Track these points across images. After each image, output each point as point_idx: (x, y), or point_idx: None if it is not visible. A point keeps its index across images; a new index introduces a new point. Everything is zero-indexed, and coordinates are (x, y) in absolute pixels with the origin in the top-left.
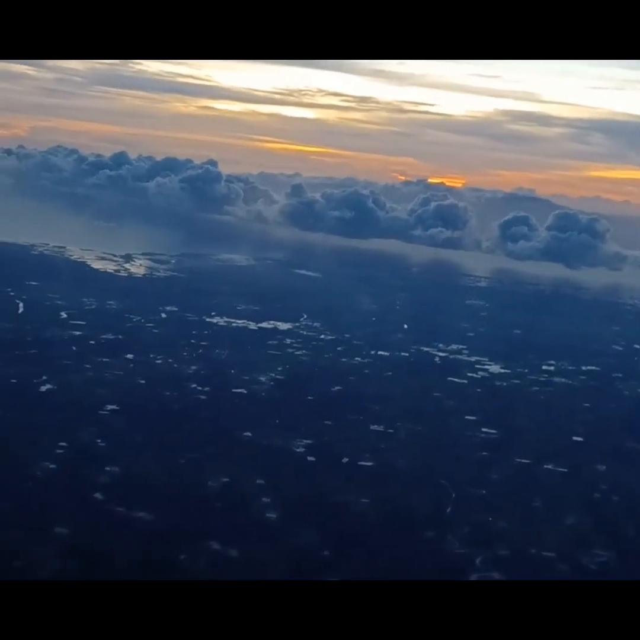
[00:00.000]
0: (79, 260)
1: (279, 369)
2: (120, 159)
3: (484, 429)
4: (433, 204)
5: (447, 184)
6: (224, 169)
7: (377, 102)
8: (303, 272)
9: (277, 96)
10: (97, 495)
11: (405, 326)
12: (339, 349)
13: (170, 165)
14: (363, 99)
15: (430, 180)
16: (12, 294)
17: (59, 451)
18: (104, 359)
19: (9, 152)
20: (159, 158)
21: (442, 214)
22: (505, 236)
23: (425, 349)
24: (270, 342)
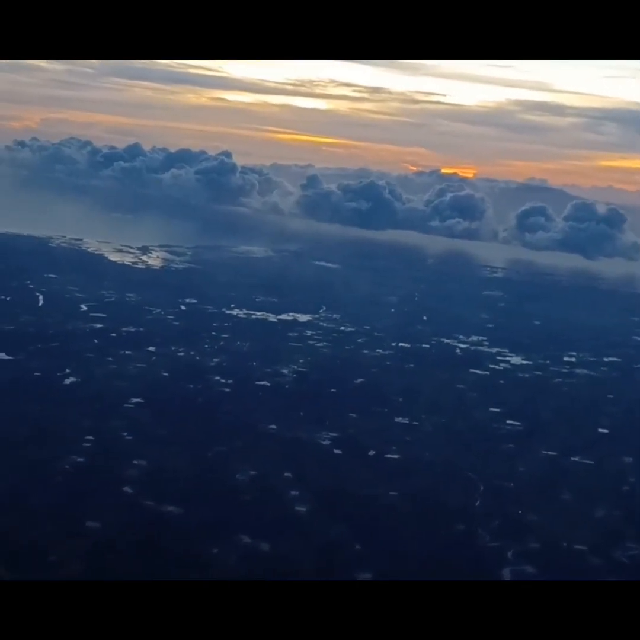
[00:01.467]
0: (96, 252)
1: (301, 361)
2: (134, 151)
3: (508, 421)
4: (449, 195)
5: (460, 174)
6: (237, 161)
7: (389, 93)
8: (321, 263)
9: (288, 87)
10: (127, 489)
11: (425, 317)
12: (359, 340)
13: (184, 157)
14: (375, 90)
15: (443, 170)
16: (31, 286)
17: (86, 445)
18: (126, 352)
19: (22, 144)
20: (172, 150)
21: (459, 205)
22: (522, 226)
23: (446, 340)
24: (290, 334)
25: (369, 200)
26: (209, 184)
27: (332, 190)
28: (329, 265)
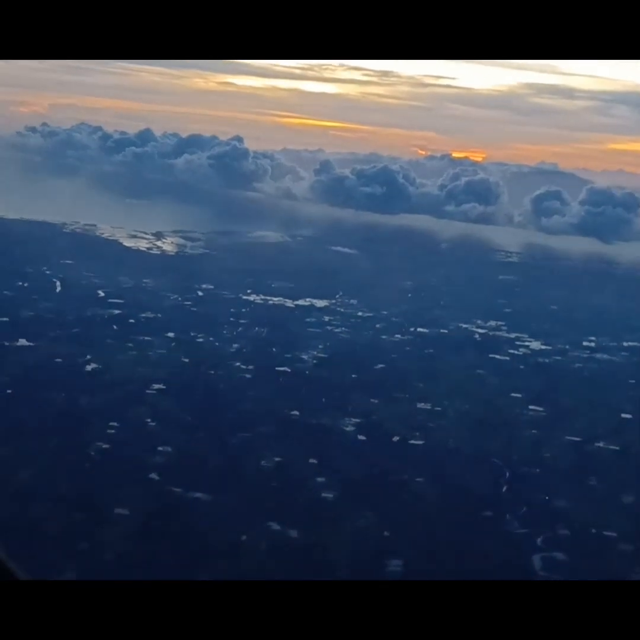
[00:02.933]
0: (110, 238)
1: (320, 347)
2: (145, 136)
3: (531, 407)
4: (463, 179)
5: (471, 158)
6: (247, 145)
7: (399, 76)
8: (336, 248)
9: (297, 71)
10: (153, 475)
11: (442, 302)
12: (377, 326)
13: (196, 142)
14: (384, 73)
15: (453, 154)
16: (48, 272)
17: (110, 431)
18: (146, 338)
19: (33, 130)
20: (183, 135)
21: (474, 189)
22: (537, 211)
23: (464, 325)
24: (308, 319)
25: (382, 184)
26: (221, 169)
27: (345, 175)
28: (344, 250)
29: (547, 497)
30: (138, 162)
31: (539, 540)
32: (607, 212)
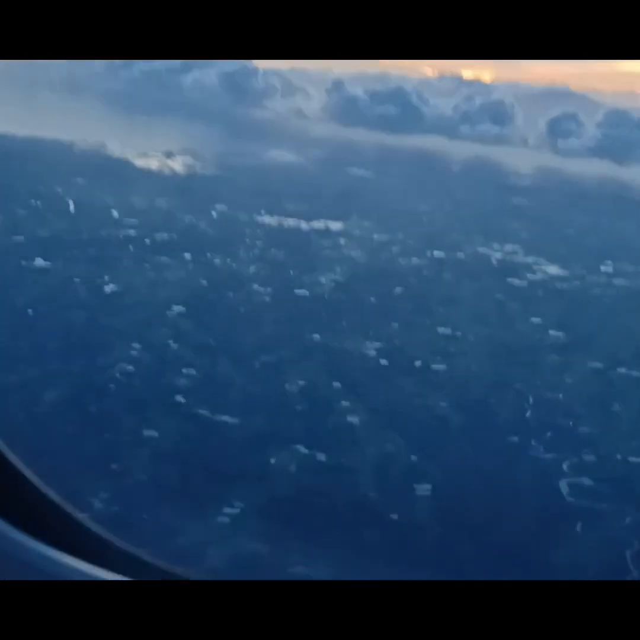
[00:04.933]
0: (121, 157)
1: (337, 269)
2: None
3: (551, 332)
4: (478, 100)
5: (482, 79)
6: (256, 63)
7: None
8: (348, 169)
9: None
10: (179, 398)
11: (457, 226)
12: (394, 249)
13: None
14: None
15: (463, 74)
16: (60, 192)
17: (133, 353)
18: (162, 259)
19: None
20: None
21: (488, 110)
22: (553, 133)
23: (481, 249)
24: (323, 242)
25: (396, 105)
26: (231, 87)
27: (358, 94)
28: (357, 171)
29: (571, 423)
30: (145, 79)
31: (565, 465)
32: (624, 134)
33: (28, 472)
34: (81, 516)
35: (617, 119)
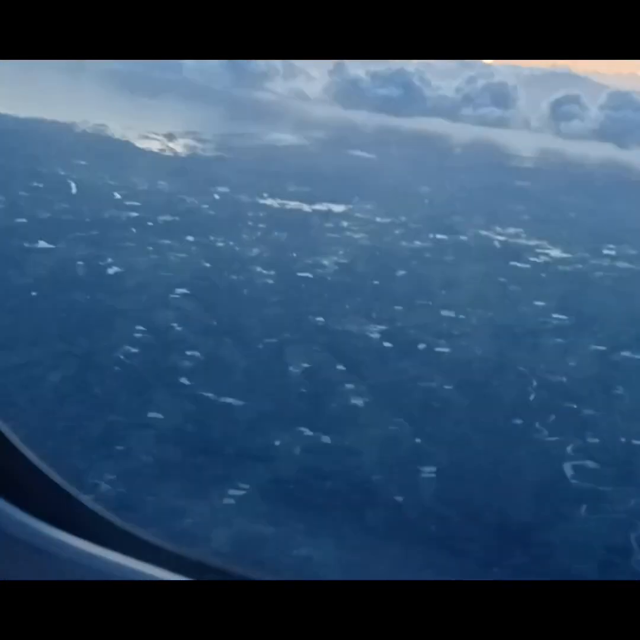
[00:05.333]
0: (122, 139)
1: (340, 252)
2: None
3: (554, 315)
4: (480, 82)
5: (483, 61)
6: None
7: None
8: (350, 151)
9: None
10: (183, 380)
11: (459, 208)
12: (396, 232)
13: None
14: None
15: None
16: (62, 173)
17: (137, 335)
18: (165, 241)
19: None
20: None
21: (491, 93)
22: (556, 115)
23: (483, 232)
24: (326, 224)
25: (399, 86)
26: (231, 67)
27: (359, 76)
28: (359, 153)
29: (575, 406)
30: (146, 60)
31: (569, 448)
32: (627, 117)
33: (30, 453)
34: (85, 497)
35: (620, 101)
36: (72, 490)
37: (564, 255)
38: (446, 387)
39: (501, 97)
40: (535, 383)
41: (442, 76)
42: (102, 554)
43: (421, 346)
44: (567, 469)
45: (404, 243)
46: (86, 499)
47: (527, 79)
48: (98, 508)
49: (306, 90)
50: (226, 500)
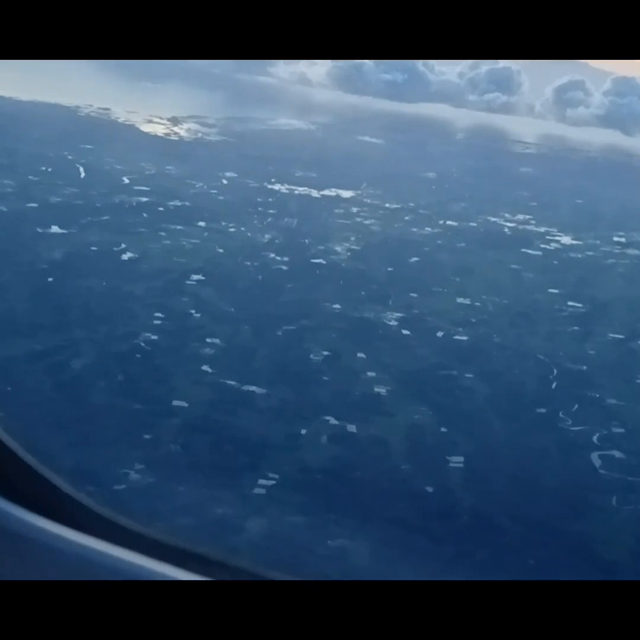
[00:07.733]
0: (127, 123)
1: (352, 239)
2: None
3: (569, 303)
4: (484, 67)
5: None
6: None
7: None
8: (355, 137)
9: None
10: (205, 368)
11: (467, 194)
12: (406, 218)
13: None
14: None
15: None
16: (70, 158)
17: (156, 322)
18: (177, 227)
19: None
20: None
21: (495, 78)
22: (560, 101)
23: (493, 219)
24: (336, 210)
25: (402, 71)
26: None
27: (363, 61)
28: (364, 138)
29: (597, 395)
30: None
31: (594, 438)
32: (632, 103)
33: (26, 454)
34: (80, 495)
35: (625, 87)
36: (71, 489)
37: (575, 242)
38: (467, 375)
39: (505, 83)
40: (555, 371)
41: (445, 61)
42: (107, 551)
43: (439, 334)
44: (595, 459)
45: (414, 229)
46: (82, 497)
47: (532, 64)
48: (98, 508)
49: (309, 75)
50: (257, 491)
